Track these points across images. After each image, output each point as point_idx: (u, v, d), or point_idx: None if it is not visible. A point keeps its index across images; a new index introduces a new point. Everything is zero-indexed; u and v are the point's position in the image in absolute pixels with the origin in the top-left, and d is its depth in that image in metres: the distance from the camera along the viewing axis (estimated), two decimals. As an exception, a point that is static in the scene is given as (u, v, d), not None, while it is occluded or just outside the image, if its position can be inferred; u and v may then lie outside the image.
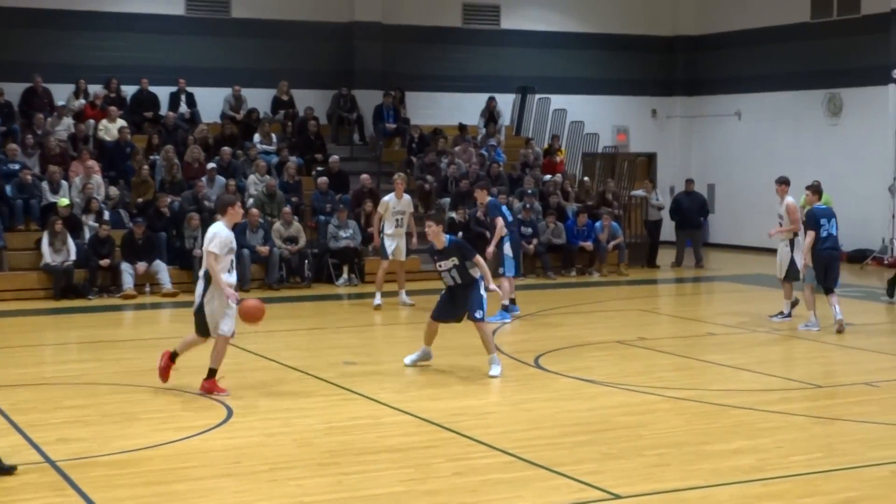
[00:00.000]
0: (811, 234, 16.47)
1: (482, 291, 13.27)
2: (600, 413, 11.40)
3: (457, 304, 13.42)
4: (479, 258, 13.26)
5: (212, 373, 12.16)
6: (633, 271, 25.22)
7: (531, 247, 24.24)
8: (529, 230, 24.53)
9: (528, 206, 24.92)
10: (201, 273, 12.12)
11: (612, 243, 25.02)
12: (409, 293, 19.79)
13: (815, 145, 29.21)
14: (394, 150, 28.00)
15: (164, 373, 12.42)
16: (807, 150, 29.37)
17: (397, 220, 19.44)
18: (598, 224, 25.11)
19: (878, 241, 26.83)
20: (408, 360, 13.92)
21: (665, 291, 23.69)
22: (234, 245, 12.13)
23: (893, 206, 26.65)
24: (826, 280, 16.59)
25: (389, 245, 19.38)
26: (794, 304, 17.88)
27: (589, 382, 12.95)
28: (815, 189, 17.30)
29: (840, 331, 16.37)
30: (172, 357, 12.45)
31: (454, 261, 13.20)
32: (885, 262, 26.12)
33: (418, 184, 25.85)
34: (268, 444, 10.10)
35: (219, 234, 11.95)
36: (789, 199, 17.75)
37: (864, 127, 27.89)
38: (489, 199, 18.13)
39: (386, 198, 19.64)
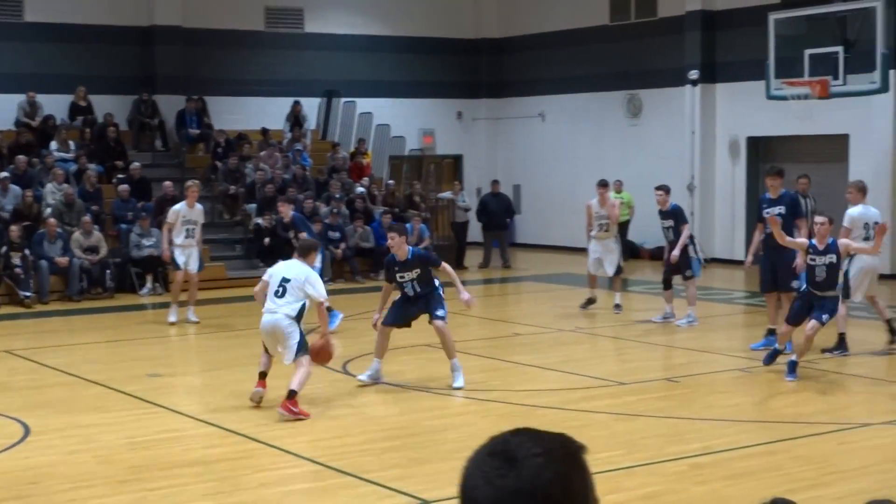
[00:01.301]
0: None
1: (441, 293, 13.22)
2: (408, 418, 11.46)
3: (410, 310, 13.15)
4: (445, 266, 13.22)
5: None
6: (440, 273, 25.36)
7: (339, 251, 24.23)
8: (337, 235, 24.51)
9: (335, 210, 24.89)
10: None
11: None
12: (217, 301, 19.53)
13: (617, 145, 29.94)
14: (197, 156, 27.62)
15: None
16: (608, 150, 30.07)
17: (188, 231, 18.37)
18: (408, 226, 25.21)
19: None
20: (363, 377, 13.18)
21: (473, 293, 23.85)
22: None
23: (693, 204, 27.46)
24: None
25: (180, 257, 18.32)
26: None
27: (398, 387, 13.00)
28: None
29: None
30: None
31: (417, 271, 12.99)
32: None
33: (222, 189, 25.58)
34: (67, 463, 9.86)
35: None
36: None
37: (663, 127, 28.71)
38: (292, 213, 18.08)
39: (177, 206, 18.49)
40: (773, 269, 15.20)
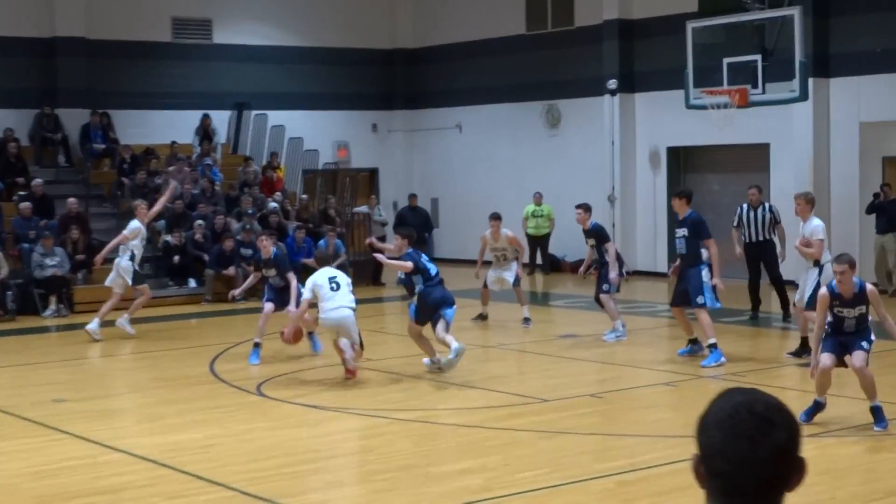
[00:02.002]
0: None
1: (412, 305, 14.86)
2: (326, 440, 11.34)
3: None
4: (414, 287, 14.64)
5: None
6: (357, 289, 25.21)
7: (251, 269, 23.96)
8: (249, 252, 24.26)
9: (247, 226, 24.66)
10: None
11: (336, 262, 24.98)
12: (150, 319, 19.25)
13: (536, 156, 30.04)
14: (103, 172, 27.25)
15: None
16: (527, 161, 30.17)
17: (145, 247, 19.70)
18: (321, 242, 25.07)
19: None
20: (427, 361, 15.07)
21: (391, 310, 23.83)
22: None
23: (614, 216, 27.62)
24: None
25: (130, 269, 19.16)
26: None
27: (314, 408, 12.87)
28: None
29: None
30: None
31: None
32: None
33: (128, 206, 25.23)
34: (-33, 494, 9.60)
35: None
36: (816, 221, 15.12)
37: (582, 137, 28.85)
38: (274, 251, 17.73)
39: (136, 223, 19.07)
40: (680, 284, 15.66)
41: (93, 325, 18.62)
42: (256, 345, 16.16)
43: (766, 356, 16.46)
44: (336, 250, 24.87)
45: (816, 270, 14.73)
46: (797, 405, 11.90)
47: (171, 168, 26.80)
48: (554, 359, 16.34)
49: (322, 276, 14.46)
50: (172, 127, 28.96)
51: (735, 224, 19.35)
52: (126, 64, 29.05)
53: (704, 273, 15.53)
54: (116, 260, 19.19)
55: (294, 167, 29.96)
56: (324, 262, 15.44)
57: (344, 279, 14.57)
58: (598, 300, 17.68)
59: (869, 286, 11.55)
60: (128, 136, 28.32)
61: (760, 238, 19.02)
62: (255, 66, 30.88)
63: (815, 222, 14.94)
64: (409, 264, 14.61)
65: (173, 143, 28.20)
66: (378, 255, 15.97)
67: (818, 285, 14.13)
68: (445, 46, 32.36)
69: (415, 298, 14.81)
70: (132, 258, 19.04)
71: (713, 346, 15.24)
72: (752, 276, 19.49)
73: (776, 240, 19.14)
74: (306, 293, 14.56)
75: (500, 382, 14.46)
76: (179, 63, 29.83)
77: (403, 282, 15.26)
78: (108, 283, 19.20)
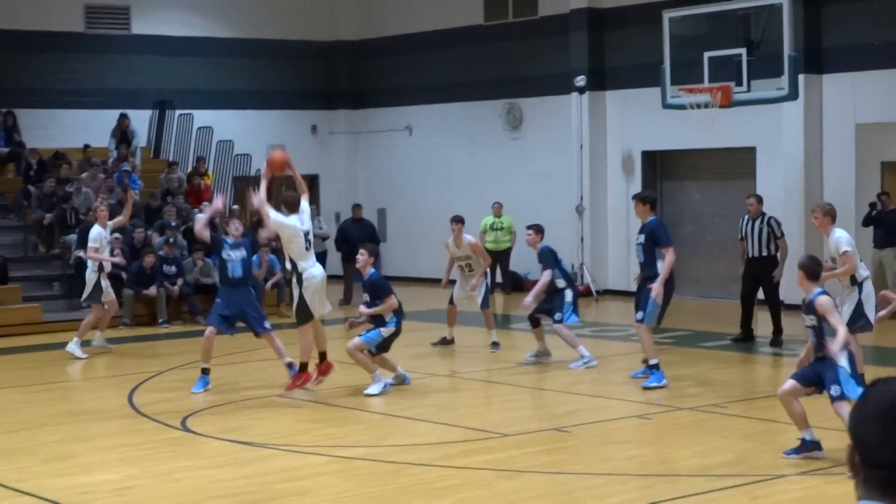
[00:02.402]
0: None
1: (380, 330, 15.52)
2: (258, 480, 11.34)
3: None
4: (390, 300, 15.39)
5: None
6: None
7: (176, 288, 23.97)
8: (173, 269, 24.24)
9: (171, 240, 24.62)
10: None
11: (270, 281, 25.01)
12: (32, 349, 19.20)
13: (495, 162, 30.16)
14: (7, 179, 27.19)
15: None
16: (485, 167, 30.29)
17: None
18: (255, 258, 25.04)
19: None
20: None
21: (330, 334, 23.81)
22: None
23: (582, 228, 27.76)
24: None
25: (105, 284, 19.83)
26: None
27: (245, 445, 12.86)
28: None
29: None
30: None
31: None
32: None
33: (37, 218, 25.15)
34: None
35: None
36: (839, 233, 15.08)
37: (547, 140, 28.99)
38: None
39: (97, 230, 19.67)
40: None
41: (98, 340, 20.05)
42: (204, 371, 16.14)
43: (755, 386, 16.59)
44: (270, 267, 24.88)
45: (856, 290, 14.67)
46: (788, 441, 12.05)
47: (84, 175, 26.73)
48: (514, 388, 16.41)
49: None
50: (85, 128, 28.91)
51: (739, 237, 19.72)
52: (32, 57, 28.95)
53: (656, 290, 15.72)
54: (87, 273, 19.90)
55: (224, 173, 29.93)
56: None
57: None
58: (535, 321, 18.03)
59: (821, 297, 11.32)
60: (35, 139, 28.21)
61: (759, 254, 19.22)
62: (179, 60, 30.86)
63: (838, 234, 14.93)
64: (395, 302, 15.44)
65: (86, 146, 28.13)
66: (362, 309, 15.95)
67: (860, 304, 14.40)
68: (393, 38, 32.44)
69: (385, 329, 15.55)
70: (100, 268, 19.67)
71: (653, 367, 15.72)
72: (744, 295, 19.64)
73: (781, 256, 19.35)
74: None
75: (455, 415, 14.50)
76: (93, 56, 29.77)
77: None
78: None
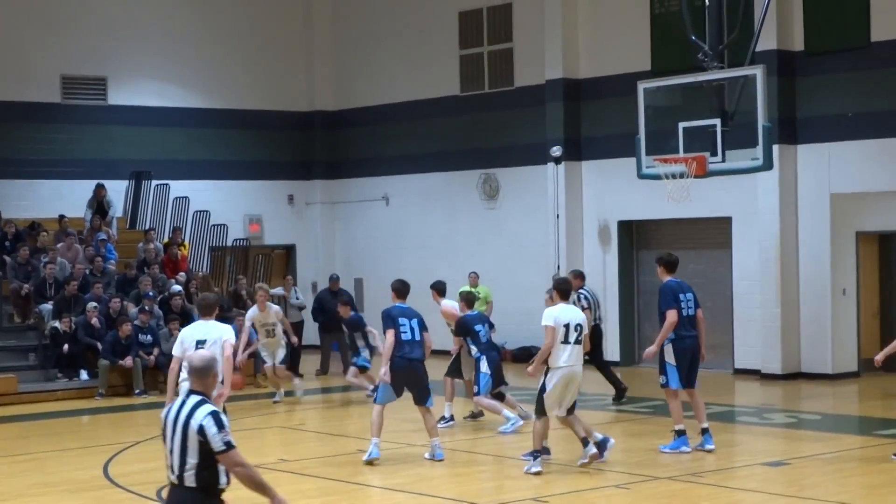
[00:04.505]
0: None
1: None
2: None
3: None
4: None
5: None
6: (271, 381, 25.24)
7: (152, 358, 23.96)
8: (149, 339, 24.24)
9: (146, 309, 24.63)
10: None
11: (246, 351, 24.96)
12: (7, 420, 19.10)
13: (472, 231, 30.28)
14: (-18, 250, 27.15)
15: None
16: (462, 237, 30.41)
17: (267, 331, 23.10)
18: (231, 327, 25.01)
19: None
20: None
21: (310, 404, 23.83)
22: None
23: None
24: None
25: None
26: None
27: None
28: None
29: None
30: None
31: None
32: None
33: (14, 288, 25.14)
34: None
35: None
36: None
37: (523, 210, 29.12)
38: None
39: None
40: None
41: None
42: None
43: (734, 456, 16.64)
44: (250, 337, 24.82)
45: None
46: None
47: (59, 245, 26.75)
48: (491, 458, 16.42)
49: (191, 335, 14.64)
50: (61, 198, 28.96)
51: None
52: (8, 127, 29.05)
53: (667, 351, 15.93)
54: None
55: (200, 244, 29.98)
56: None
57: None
58: (495, 395, 18.59)
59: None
60: (10, 209, 28.24)
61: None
62: (156, 131, 30.98)
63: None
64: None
65: (62, 216, 28.14)
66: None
67: None
68: (370, 108, 32.63)
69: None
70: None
71: (678, 433, 15.95)
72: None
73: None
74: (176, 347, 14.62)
75: (432, 485, 14.51)
76: (69, 126, 29.86)
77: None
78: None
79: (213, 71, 31.92)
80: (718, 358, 25.32)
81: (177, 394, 14.70)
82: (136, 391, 23.62)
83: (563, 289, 15.01)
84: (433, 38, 31.25)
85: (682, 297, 16.26)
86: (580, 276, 21.01)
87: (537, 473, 14.48)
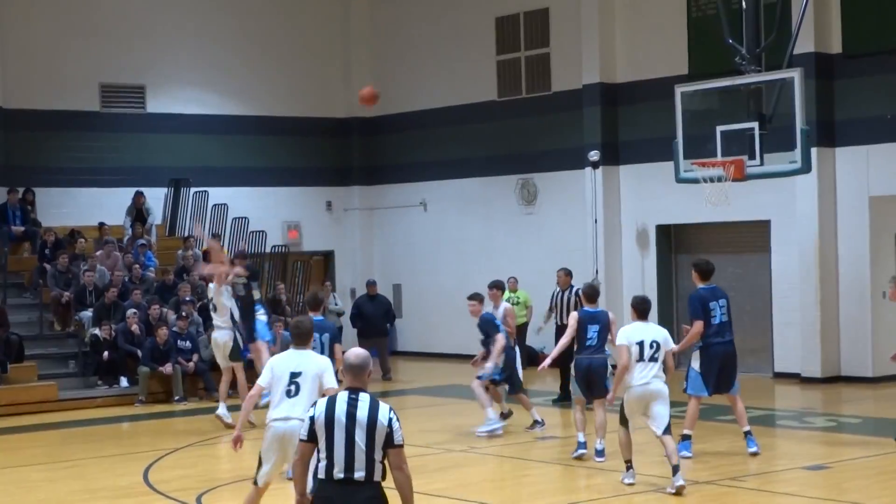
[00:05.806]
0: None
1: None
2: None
3: None
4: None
5: None
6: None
7: (191, 364, 24.06)
8: (188, 345, 24.34)
9: (185, 315, 24.73)
10: None
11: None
12: (48, 427, 19.23)
13: (510, 236, 30.27)
14: (22, 258, 27.31)
15: None
16: (500, 242, 30.39)
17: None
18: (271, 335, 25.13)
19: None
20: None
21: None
22: None
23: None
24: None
25: None
26: None
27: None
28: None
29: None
30: None
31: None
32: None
33: (54, 295, 25.28)
34: None
35: None
36: None
37: (561, 215, 29.08)
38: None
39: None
40: None
41: (221, 409, 20.09)
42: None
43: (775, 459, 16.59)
44: (284, 342, 24.89)
45: None
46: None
47: (99, 252, 26.89)
48: (527, 463, 16.42)
49: (283, 365, 11.34)
50: (100, 206, 29.07)
51: (549, 306, 22.40)
52: (48, 136, 29.21)
53: (694, 357, 16.11)
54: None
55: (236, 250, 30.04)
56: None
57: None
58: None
59: None
60: (50, 217, 28.41)
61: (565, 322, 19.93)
62: (194, 138, 31.09)
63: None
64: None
65: (101, 224, 28.28)
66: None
67: None
68: (408, 115, 32.65)
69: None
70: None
71: (684, 437, 16.02)
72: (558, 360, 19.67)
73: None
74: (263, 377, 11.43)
75: (471, 490, 14.51)
76: (109, 135, 29.98)
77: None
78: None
79: (250, 78, 32.00)
80: (758, 362, 25.27)
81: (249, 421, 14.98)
82: (176, 398, 23.70)
83: (640, 308, 14.36)
84: (470, 43, 31.27)
85: (713, 304, 16.21)
86: (569, 274, 22.19)
87: (630, 485, 14.36)
